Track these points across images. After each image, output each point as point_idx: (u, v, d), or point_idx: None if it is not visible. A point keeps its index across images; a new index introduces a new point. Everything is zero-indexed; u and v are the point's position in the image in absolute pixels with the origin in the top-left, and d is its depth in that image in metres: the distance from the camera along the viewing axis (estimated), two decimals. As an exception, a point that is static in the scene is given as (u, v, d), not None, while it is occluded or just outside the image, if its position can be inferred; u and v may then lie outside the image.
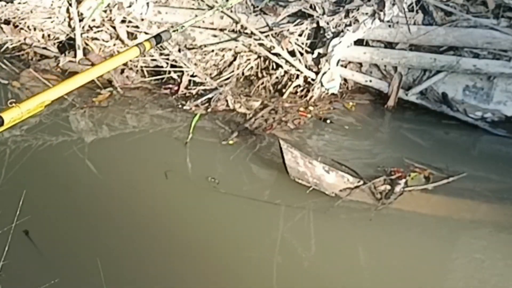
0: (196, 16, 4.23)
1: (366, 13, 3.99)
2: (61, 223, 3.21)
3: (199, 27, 4.31)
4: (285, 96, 4.13)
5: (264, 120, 4.01)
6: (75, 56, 4.17)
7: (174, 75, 4.17)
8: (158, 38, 1.90)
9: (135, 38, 4.25)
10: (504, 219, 3.56)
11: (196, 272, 3.06)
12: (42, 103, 1.27)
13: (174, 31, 2.12)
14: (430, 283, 3.17)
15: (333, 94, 4.13)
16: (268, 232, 3.37)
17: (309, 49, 4.10)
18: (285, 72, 4.17)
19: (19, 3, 4.38)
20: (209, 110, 4.00)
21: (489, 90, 4.14)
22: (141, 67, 4.27)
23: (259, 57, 4.24)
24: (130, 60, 4.25)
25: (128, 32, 4.22)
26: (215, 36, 4.21)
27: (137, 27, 4.19)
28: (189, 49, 4.22)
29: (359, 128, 4.19)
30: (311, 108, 4.13)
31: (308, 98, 4.10)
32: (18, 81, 4.27)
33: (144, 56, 4.37)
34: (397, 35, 4.10)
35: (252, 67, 4.25)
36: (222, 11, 4.17)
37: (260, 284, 3.04)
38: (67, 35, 4.34)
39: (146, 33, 4.22)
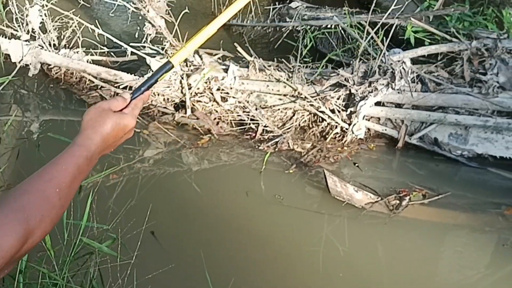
0: (268, 86, 5.01)
1: (383, 84, 4.74)
2: (175, 226, 4.02)
3: (269, 93, 5.01)
4: (327, 140, 4.90)
5: (313, 156, 4.74)
6: (185, 113, 4.98)
7: (253, 126, 4.94)
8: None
9: (226, 100, 4.99)
10: (476, 223, 4.35)
11: (268, 257, 3.87)
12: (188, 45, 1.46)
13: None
14: (425, 265, 4.00)
15: (360, 138, 4.90)
16: (317, 232, 4.17)
17: (344, 108, 4.87)
18: (328, 123, 4.90)
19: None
20: (276, 149, 4.77)
21: (466, 136, 4.84)
22: (230, 120, 5.02)
23: (310, 113, 4.96)
24: (223, 115, 5.04)
25: (221, 97, 4.98)
26: (280, 99, 4.99)
27: (227, 93, 4.96)
28: (262, 108, 4.98)
29: (378, 162, 4.97)
30: (345, 148, 4.87)
31: (343, 141, 4.86)
32: (147, 130, 4.98)
33: (235, 78, 5.00)
34: (404, 99, 4.86)
35: (305, 120, 5.01)
36: (285, 82, 4.90)
37: (314, 265, 3.85)
38: (180, 98, 5.10)
39: (233, 97, 4.98)
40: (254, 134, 4.94)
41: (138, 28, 5.65)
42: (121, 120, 1.33)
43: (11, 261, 1.04)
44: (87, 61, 5.31)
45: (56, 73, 5.42)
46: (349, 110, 4.80)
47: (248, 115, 4.97)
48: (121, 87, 5.11)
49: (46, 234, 1.16)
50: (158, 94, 5.07)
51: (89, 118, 1.32)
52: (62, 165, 1.21)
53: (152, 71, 4.96)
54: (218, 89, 4.97)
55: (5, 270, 1.04)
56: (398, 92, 4.82)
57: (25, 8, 5.30)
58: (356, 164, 4.84)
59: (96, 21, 5.92)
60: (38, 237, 1.11)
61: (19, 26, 5.39)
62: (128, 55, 5.35)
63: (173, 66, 1.47)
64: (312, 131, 4.98)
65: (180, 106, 5.18)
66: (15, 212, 1.06)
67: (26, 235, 1.05)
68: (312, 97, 4.85)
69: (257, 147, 4.85)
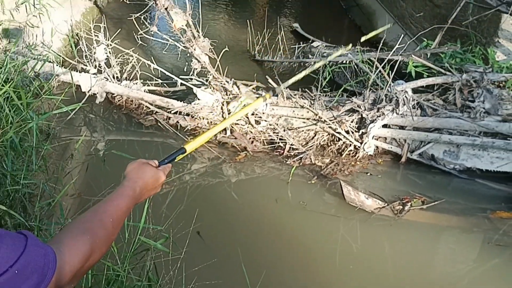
0: (294, 111, 5.13)
1: (389, 110, 4.91)
2: (217, 227, 4.14)
3: (295, 117, 5.15)
4: (343, 156, 5.06)
5: (331, 169, 4.92)
6: (226, 134, 5.17)
7: (281, 144, 5.11)
8: (273, 91, 2.50)
9: (259, 123, 5.13)
10: (466, 225, 4.54)
11: (294, 252, 4.03)
12: (202, 142, 1.76)
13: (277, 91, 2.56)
14: (424, 259, 4.18)
15: (370, 154, 5.07)
16: (334, 232, 4.35)
17: (356, 130, 5.02)
18: (343, 142, 5.07)
19: (195, 103, 5.23)
20: (300, 164, 4.96)
21: (458, 152, 5.04)
22: (263, 139, 5.17)
23: (328, 134, 5.12)
24: (256, 135, 5.16)
25: (255, 120, 5.14)
26: (304, 122, 5.15)
27: (260, 117, 5.12)
28: (289, 129, 5.13)
29: (384, 174, 5.08)
30: (358, 163, 5.05)
31: (356, 157, 5.06)
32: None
33: (266, 105, 5.10)
34: (406, 122, 5.00)
35: (324, 140, 5.17)
36: (308, 108, 5.04)
37: (331, 259, 4.04)
38: (221, 122, 4.86)
39: (265, 120, 5.12)
40: (282, 151, 5.11)
41: (186, 63, 5.60)
42: (156, 173, 1.58)
43: (77, 276, 1.18)
44: (144, 91, 5.44)
45: (118, 100, 5.55)
46: (361, 131, 4.97)
47: (278, 135, 5.12)
48: (172, 112, 5.30)
49: (103, 254, 1.30)
50: (203, 118, 5.20)
51: (133, 167, 1.57)
52: (114, 201, 1.41)
53: (198, 99, 5.22)
54: (252, 114, 5.10)
55: (71, 283, 1.16)
56: (402, 116, 4.98)
57: (93, 47, 5.49)
58: (368, 173, 4.98)
59: (152, 57, 6.07)
60: (98, 256, 1.26)
61: (88, 61, 5.55)
62: (178, 86, 5.51)
63: (185, 151, 1.75)
64: (330, 149, 5.15)
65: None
66: (82, 235, 1.22)
67: (89, 254, 1.20)
68: (330, 120, 5.00)
69: (284, 162, 5.01)
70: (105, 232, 1.30)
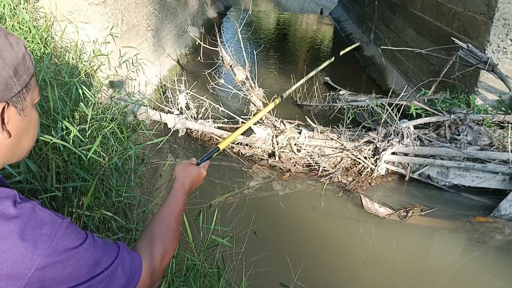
0: (325, 142, 5.35)
1: (396, 141, 5.19)
2: (268, 228, 4.27)
3: (326, 147, 5.37)
4: (362, 175, 5.32)
5: (353, 185, 5.19)
6: (275, 159, 5.46)
7: (316, 167, 5.38)
8: (281, 98, 2.60)
9: (300, 151, 5.33)
10: (453, 227, 4.67)
11: (325, 248, 4.12)
12: (235, 138, 1.66)
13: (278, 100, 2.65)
14: (422, 252, 4.30)
15: (382, 174, 5.32)
16: (355, 232, 4.48)
17: (372, 156, 5.29)
18: (362, 165, 5.34)
19: (252, 136, 5.44)
20: (330, 181, 5.22)
21: (447, 173, 5.27)
22: (303, 163, 5.42)
23: (351, 159, 5.39)
24: (298, 160, 5.37)
25: (297, 149, 5.35)
26: (333, 150, 5.39)
27: (300, 146, 5.35)
28: (322, 156, 5.41)
29: (393, 189, 5.29)
30: (373, 181, 5.30)
31: (371, 176, 5.32)
32: (251, 169, 5.45)
33: (305, 137, 5.18)
34: (409, 150, 5.23)
35: (348, 163, 5.42)
36: (336, 140, 5.33)
37: (353, 252, 4.15)
38: (271, 150, 5.51)
39: (304, 149, 5.31)
40: (317, 172, 5.38)
41: (246, 106, 5.97)
42: (199, 169, 1.66)
43: (158, 274, 1.22)
44: (215, 127, 5.75)
45: (195, 134, 5.90)
46: (375, 157, 5.26)
47: (313, 160, 5.41)
48: (235, 143, 5.60)
49: (175, 249, 1.34)
50: (258, 147, 5.50)
51: (180, 168, 1.64)
52: (173, 203, 1.46)
53: (255, 133, 5.49)
54: (295, 144, 5.38)
55: (156, 282, 1.21)
56: (406, 146, 5.24)
57: (176, 95, 5.94)
58: (381, 188, 5.08)
59: (220, 102, 6.44)
60: (171, 252, 1.30)
61: (172, 105, 5.96)
62: (239, 123, 5.73)
63: (219, 149, 1.81)
64: (353, 170, 5.40)
65: (271, 154, 5.57)
66: (156, 240, 1.28)
67: (163, 254, 1.26)
68: (353, 149, 5.27)
69: (318, 180, 5.26)
70: (172, 231, 1.33)
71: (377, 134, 5.31)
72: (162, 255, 1.26)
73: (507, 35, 5.56)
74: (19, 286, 0.92)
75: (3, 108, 0.98)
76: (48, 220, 0.98)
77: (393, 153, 5.28)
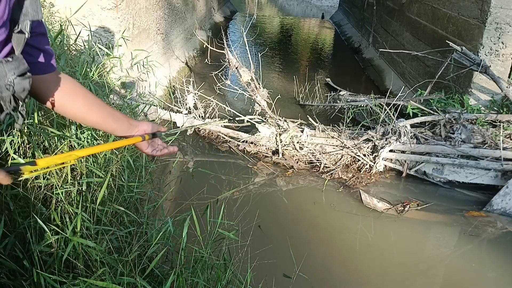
0: (327, 140, 5.31)
1: (394, 139, 5.19)
2: (272, 222, 4.28)
3: (327, 144, 5.35)
4: (361, 172, 5.34)
5: (353, 181, 5.19)
6: (278, 156, 5.45)
7: (318, 164, 5.40)
8: (153, 135, 1.66)
9: (302, 149, 5.35)
10: (448, 221, 4.68)
11: (326, 240, 4.13)
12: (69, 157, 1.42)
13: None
14: (418, 244, 4.33)
15: (380, 171, 5.36)
16: (355, 225, 4.49)
17: (371, 153, 5.32)
18: (362, 162, 5.37)
19: (257, 135, 5.49)
20: (331, 177, 5.23)
21: (442, 169, 5.31)
22: (305, 160, 5.43)
23: (351, 156, 5.42)
24: (300, 157, 5.37)
25: (299, 146, 5.39)
26: (334, 148, 5.38)
27: (303, 144, 5.37)
28: (323, 153, 5.40)
29: (391, 185, 5.31)
30: (372, 177, 5.32)
31: (370, 173, 5.34)
32: (256, 166, 5.43)
33: (307, 136, 5.17)
34: (406, 148, 5.28)
35: (348, 160, 5.45)
36: (336, 138, 5.32)
37: (353, 244, 4.16)
38: (275, 148, 5.55)
39: (306, 147, 5.35)
40: (318, 169, 5.39)
41: (251, 106, 6.01)
42: (146, 143, 1.58)
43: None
44: (221, 126, 5.75)
45: (203, 133, 5.94)
46: (374, 154, 5.30)
47: (315, 157, 5.42)
48: (241, 141, 5.63)
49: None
50: (263, 145, 5.54)
51: (146, 129, 1.60)
52: (115, 110, 1.47)
53: (259, 132, 5.50)
54: (297, 142, 5.41)
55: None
56: (403, 144, 5.26)
57: (185, 95, 5.98)
58: (379, 184, 5.13)
59: (226, 102, 6.48)
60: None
61: (181, 105, 5.99)
62: (245, 122, 5.78)
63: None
64: (352, 167, 5.44)
65: (275, 152, 5.61)
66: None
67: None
68: (352, 147, 5.29)
69: (320, 176, 5.27)
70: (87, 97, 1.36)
71: (376, 133, 5.31)
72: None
73: (499, 38, 5.60)
74: None
75: None
76: None
77: (390, 151, 5.30)
